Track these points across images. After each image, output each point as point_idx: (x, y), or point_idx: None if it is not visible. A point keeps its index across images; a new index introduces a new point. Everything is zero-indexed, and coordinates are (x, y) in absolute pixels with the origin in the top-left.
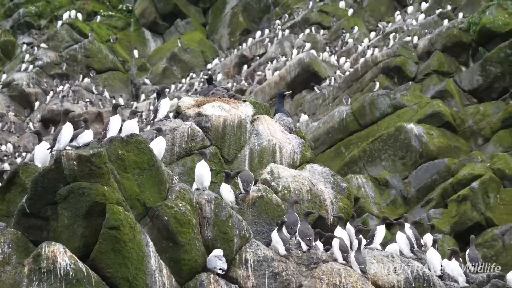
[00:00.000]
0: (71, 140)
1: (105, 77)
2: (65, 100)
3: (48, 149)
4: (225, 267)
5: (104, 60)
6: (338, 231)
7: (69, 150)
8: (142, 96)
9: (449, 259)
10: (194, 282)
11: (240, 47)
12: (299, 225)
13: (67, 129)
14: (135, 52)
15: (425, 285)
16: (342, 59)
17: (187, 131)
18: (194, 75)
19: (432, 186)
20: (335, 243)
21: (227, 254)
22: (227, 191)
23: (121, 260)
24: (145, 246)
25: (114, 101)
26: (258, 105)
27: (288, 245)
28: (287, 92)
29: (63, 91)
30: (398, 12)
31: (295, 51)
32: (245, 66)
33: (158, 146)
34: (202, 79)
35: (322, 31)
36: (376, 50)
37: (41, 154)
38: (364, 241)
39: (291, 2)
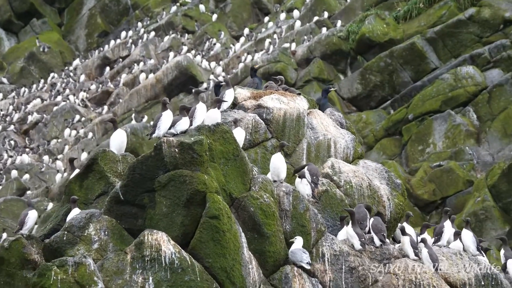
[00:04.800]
0: (169, 128)
1: None
2: None
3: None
4: (310, 261)
5: None
6: (406, 228)
7: (169, 137)
8: (0, 95)
9: None
10: (279, 274)
11: (101, 48)
12: (370, 220)
13: (167, 116)
14: None
15: (493, 283)
16: (213, 64)
17: (251, 123)
18: (56, 76)
19: None
20: (406, 239)
21: (304, 247)
22: (303, 184)
23: (220, 250)
24: (239, 236)
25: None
26: (307, 99)
27: (363, 239)
28: (332, 88)
29: None
30: (267, 18)
31: (171, 53)
32: (107, 68)
33: (240, 138)
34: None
35: (186, 35)
36: (256, 55)
37: (117, 141)
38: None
39: (151, 5)
